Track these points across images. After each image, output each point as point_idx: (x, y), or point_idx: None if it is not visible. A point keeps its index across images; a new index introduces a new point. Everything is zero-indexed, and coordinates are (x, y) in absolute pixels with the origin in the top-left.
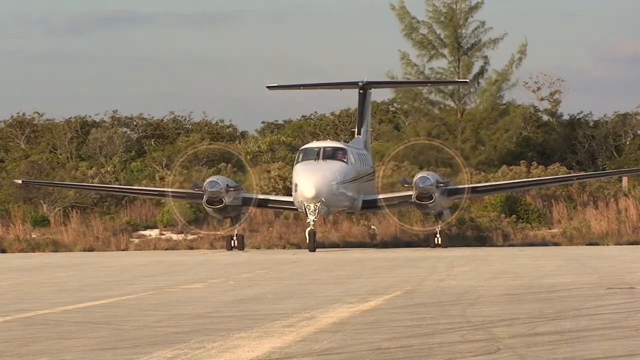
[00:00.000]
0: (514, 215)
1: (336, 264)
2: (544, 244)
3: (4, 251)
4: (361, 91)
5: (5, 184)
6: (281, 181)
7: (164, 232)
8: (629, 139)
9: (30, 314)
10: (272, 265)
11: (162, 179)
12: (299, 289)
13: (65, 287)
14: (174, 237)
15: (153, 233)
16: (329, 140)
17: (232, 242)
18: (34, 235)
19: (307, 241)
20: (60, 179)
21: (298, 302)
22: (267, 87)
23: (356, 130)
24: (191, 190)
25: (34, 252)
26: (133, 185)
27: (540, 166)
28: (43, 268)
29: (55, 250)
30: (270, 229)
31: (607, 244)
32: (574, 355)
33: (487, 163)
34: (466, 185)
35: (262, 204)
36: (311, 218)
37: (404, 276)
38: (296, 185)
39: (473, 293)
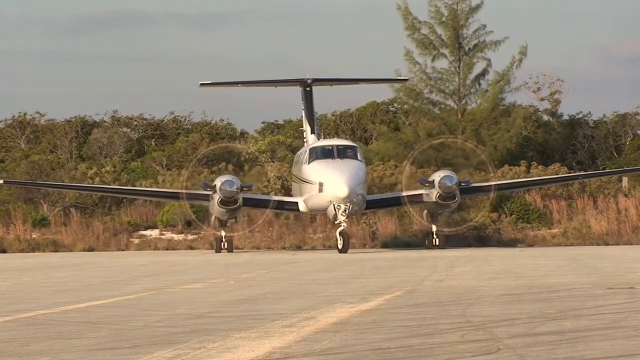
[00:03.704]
0: (513, 215)
1: (336, 264)
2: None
3: (4, 251)
4: (308, 89)
5: (5, 185)
6: (280, 181)
7: (164, 232)
8: (628, 139)
9: (31, 314)
10: (272, 265)
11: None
12: (299, 289)
13: (65, 287)
14: (175, 237)
15: (153, 233)
16: (336, 138)
17: (222, 244)
18: (34, 236)
19: (340, 242)
20: (60, 179)
21: (298, 302)
22: (201, 84)
23: (309, 129)
24: (206, 192)
25: (34, 252)
26: (135, 186)
27: (540, 166)
28: (43, 268)
29: (55, 251)
30: (270, 229)
31: (607, 244)
32: (574, 355)
33: (487, 163)
34: (492, 183)
35: (261, 204)
36: (342, 218)
37: (404, 276)
38: (321, 184)
39: (473, 293)
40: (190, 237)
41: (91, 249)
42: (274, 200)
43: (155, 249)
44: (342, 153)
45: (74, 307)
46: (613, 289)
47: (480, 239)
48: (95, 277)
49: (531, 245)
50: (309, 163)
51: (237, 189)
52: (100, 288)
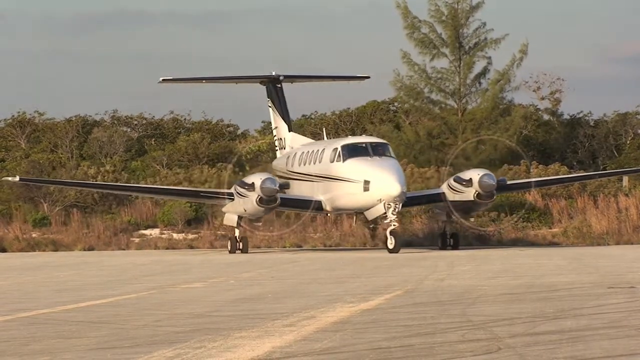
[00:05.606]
0: (514, 215)
1: (337, 263)
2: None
3: (4, 250)
4: (279, 85)
5: (6, 184)
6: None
7: (165, 232)
8: (629, 139)
9: (31, 314)
10: (272, 264)
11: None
12: (299, 288)
13: (65, 286)
14: (175, 236)
15: (154, 232)
16: (364, 135)
17: (237, 244)
18: (34, 235)
19: (391, 242)
20: (61, 178)
21: (299, 301)
22: (162, 80)
23: (285, 127)
24: (244, 190)
25: (34, 251)
26: (145, 185)
27: (540, 165)
28: (43, 267)
29: (56, 250)
30: (271, 228)
31: (608, 244)
32: (575, 354)
33: (487, 162)
34: (532, 179)
35: (302, 205)
36: (392, 217)
37: (405, 275)
38: (367, 182)
39: (473, 292)
40: (190, 236)
41: (91, 248)
42: (316, 201)
43: (155, 248)
44: (376, 150)
45: (74, 306)
46: (614, 288)
47: (481, 238)
48: (95, 277)
49: (532, 245)
50: (343, 161)
51: (277, 187)
52: (100, 287)
